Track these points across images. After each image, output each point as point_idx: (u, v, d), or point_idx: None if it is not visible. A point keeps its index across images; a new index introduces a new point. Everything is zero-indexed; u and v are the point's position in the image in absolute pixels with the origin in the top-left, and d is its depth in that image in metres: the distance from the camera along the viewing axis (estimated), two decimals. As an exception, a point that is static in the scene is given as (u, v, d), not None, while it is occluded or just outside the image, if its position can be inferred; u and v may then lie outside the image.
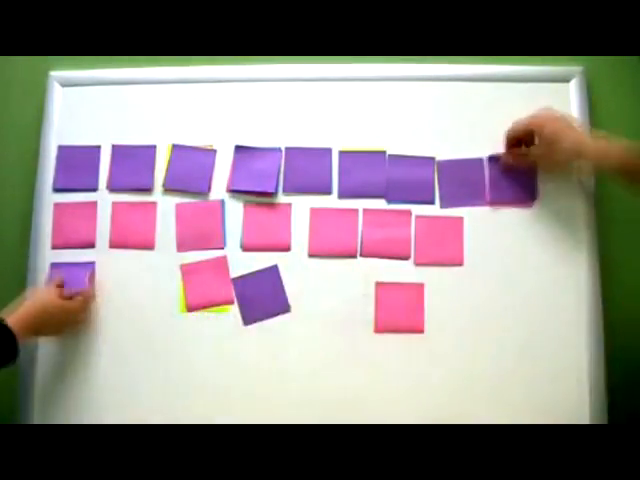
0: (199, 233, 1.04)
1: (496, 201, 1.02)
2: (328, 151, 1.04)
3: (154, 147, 1.06)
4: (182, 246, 1.03)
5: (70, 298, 0.98)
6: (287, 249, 1.02)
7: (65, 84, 1.09)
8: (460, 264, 1.00)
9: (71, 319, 0.99)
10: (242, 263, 1.02)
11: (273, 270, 1.01)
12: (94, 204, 1.06)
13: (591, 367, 0.97)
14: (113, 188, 1.06)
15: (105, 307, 1.02)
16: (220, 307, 1.01)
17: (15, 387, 1.02)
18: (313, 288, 1.01)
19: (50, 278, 1.03)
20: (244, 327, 1.01)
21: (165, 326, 1.01)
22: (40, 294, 0.97)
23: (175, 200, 1.05)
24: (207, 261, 1.03)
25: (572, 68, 1.04)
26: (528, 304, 0.99)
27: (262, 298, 1.01)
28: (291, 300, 1.01)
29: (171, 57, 1.06)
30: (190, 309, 1.02)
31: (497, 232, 1.01)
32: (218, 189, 1.04)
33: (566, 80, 1.04)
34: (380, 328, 0.99)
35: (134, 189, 1.06)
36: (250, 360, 1.00)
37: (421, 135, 1.04)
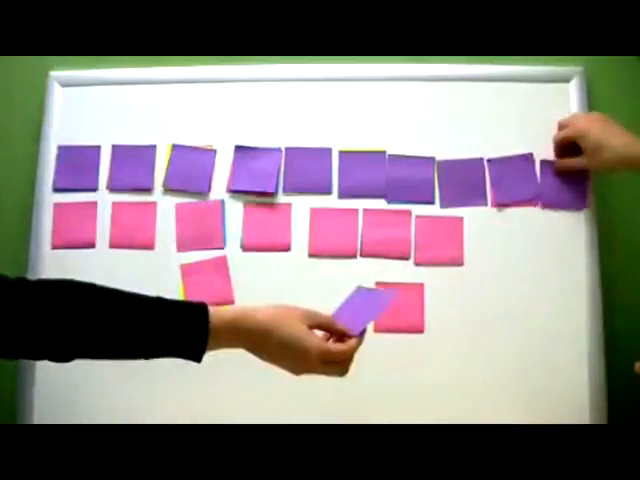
0: (199, 233, 1.04)
1: (497, 201, 1.02)
2: (328, 151, 1.04)
3: (154, 147, 1.06)
4: (182, 246, 1.03)
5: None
6: (287, 249, 1.02)
7: (65, 84, 1.09)
8: (460, 264, 1.01)
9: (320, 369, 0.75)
10: (242, 263, 1.02)
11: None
12: (94, 204, 1.06)
13: (591, 367, 0.97)
14: (113, 188, 1.06)
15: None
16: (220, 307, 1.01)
17: (15, 387, 1.02)
18: (313, 288, 1.01)
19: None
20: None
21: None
22: (297, 326, 0.73)
23: (175, 200, 1.05)
24: (207, 261, 1.03)
25: (572, 68, 1.04)
26: (528, 304, 0.99)
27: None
28: (291, 300, 1.01)
29: (171, 57, 1.06)
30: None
31: (497, 232, 1.01)
32: (218, 189, 1.04)
33: (566, 80, 1.04)
34: (380, 328, 0.99)
35: (134, 189, 1.06)
36: (250, 360, 1.00)
37: (421, 135, 1.04)
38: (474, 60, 1.04)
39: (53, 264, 1.04)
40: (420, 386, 0.98)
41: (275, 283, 1.02)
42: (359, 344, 0.76)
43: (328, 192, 1.03)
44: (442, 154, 1.03)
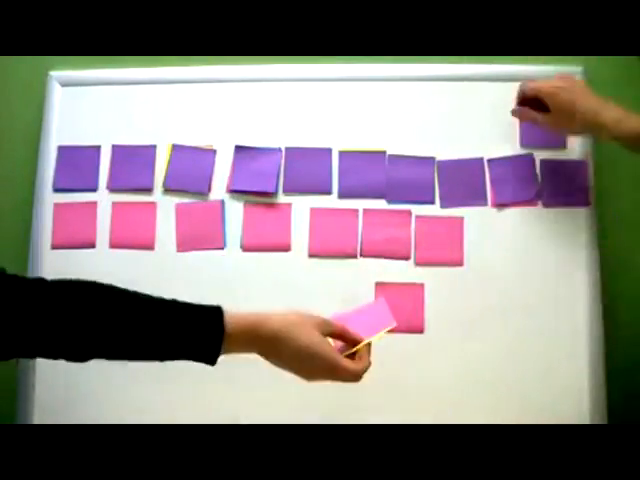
0: (199, 233, 1.04)
1: (497, 201, 1.02)
2: (328, 151, 1.04)
3: (154, 147, 1.06)
4: (182, 246, 1.03)
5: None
6: (287, 249, 1.02)
7: (65, 84, 1.09)
8: (460, 264, 1.00)
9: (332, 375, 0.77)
10: (242, 263, 1.02)
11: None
12: (94, 204, 1.06)
13: (591, 367, 0.97)
14: (113, 188, 1.06)
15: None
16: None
17: (15, 387, 1.02)
18: (313, 288, 1.01)
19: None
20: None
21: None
22: (309, 322, 0.75)
23: (175, 200, 1.05)
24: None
25: (572, 68, 1.04)
26: (528, 304, 0.99)
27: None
28: (291, 300, 1.01)
29: (171, 57, 1.06)
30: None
31: (497, 232, 1.01)
32: (218, 189, 1.04)
33: (566, 80, 1.04)
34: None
35: (134, 189, 1.06)
36: (250, 360, 1.00)
37: (421, 135, 1.04)
38: (474, 60, 1.04)
39: (53, 264, 1.04)
40: (420, 386, 0.98)
41: (275, 283, 1.02)
42: (369, 362, 0.78)
43: (328, 192, 1.03)
44: (442, 154, 1.03)
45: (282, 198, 1.04)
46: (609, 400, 0.97)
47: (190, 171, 1.05)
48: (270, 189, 1.03)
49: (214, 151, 1.05)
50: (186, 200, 1.05)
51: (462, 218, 1.02)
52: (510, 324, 0.99)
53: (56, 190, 1.06)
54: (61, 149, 1.07)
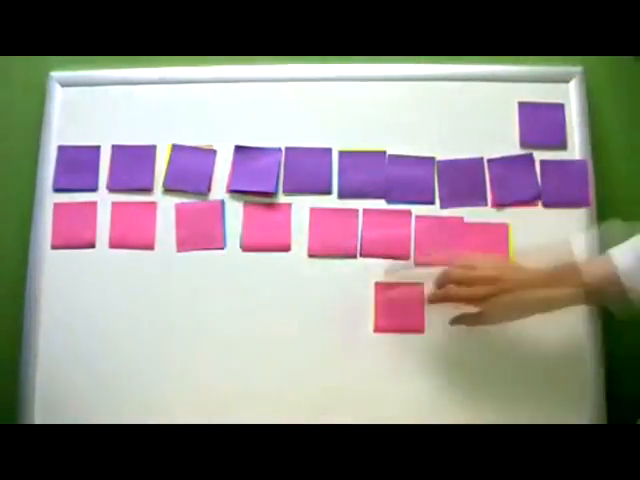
0: (199, 233, 1.04)
1: (497, 201, 1.02)
2: (328, 151, 1.04)
3: (154, 147, 1.06)
4: (182, 246, 1.04)
5: None
6: (287, 249, 1.02)
7: (65, 84, 1.09)
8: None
9: None
10: (242, 263, 1.02)
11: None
12: (94, 204, 1.06)
13: (591, 367, 0.97)
14: (113, 188, 1.06)
15: (105, 307, 1.02)
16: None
17: (15, 387, 1.02)
18: (313, 288, 1.01)
19: None
20: (244, 327, 1.01)
21: (165, 327, 1.01)
22: None
23: (175, 200, 1.05)
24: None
25: (572, 68, 1.04)
26: (528, 304, 0.99)
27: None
28: (290, 300, 1.01)
29: (171, 57, 1.06)
30: (190, 309, 1.02)
31: (497, 232, 1.01)
32: (218, 189, 1.04)
33: (566, 80, 1.04)
34: (380, 328, 0.99)
35: (134, 189, 1.06)
36: (249, 360, 1.00)
37: (421, 135, 1.04)
38: (474, 60, 1.04)
39: (53, 264, 1.04)
40: (420, 386, 0.98)
41: (275, 283, 1.02)
42: None
43: (328, 192, 1.03)
44: (442, 154, 1.03)
45: (282, 198, 1.04)
46: (609, 400, 0.97)
47: (190, 171, 1.05)
48: (270, 189, 1.03)
49: (214, 151, 1.05)
50: (186, 200, 1.05)
51: (462, 218, 1.02)
52: (510, 324, 0.98)
53: (56, 190, 1.06)
54: (61, 149, 1.07)
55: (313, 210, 1.03)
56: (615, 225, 0.85)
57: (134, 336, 1.01)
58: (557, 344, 0.98)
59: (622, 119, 1.06)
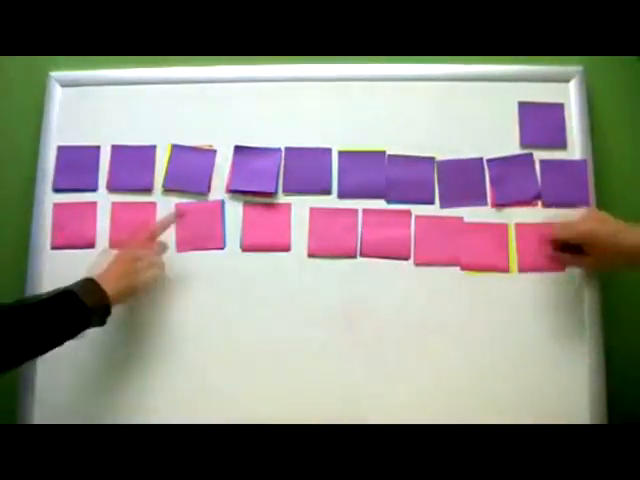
0: (199, 233, 1.04)
1: (497, 201, 1.02)
2: (328, 151, 1.04)
3: (154, 147, 1.06)
4: (182, 246, 1.03)
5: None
6: (287, 249, 1.02)
7: (65, 84, 1.09)
8: (460, 264, 1.00)
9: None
10: (242, 263, 1.02)
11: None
12: (94, 204, 1.06)
13: (591, 367, 0.97)
14: (113, 188, 1.06)
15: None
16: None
17: (15, 387, 1.02)
18: (313, 288, 1.01)
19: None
20: (244, 327, 1.01)
21: (165, 327, 1.01)
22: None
23: (175, 200, 1.05)
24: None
25: (572, 68, 1.04)
26: (528, 304, 0.99)
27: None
28: (290, 300, 1.01)
29: (171, 57, 1.06)
30: (190, 309, 1.02)
31: (497, 232, 1.01)
32: (218, 189, 1.04)
33: (566, 80, 1.04)
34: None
35: (134, 189, 1.06)
36: (249, 360, 1.00)
37: (421, 135, 1.04)
38: (474, 60, 1.04)
39: (53, 264, 1.04)
40: (420, 386, 0.98)
41: (275, 283, 1.02)
42: None
43: (328, 192, 1.03)
44: (442, 154, 1.03)
45: (282, 198, 1.04)
46: (609, 400, 0.97)
47: (190, 171, 1.05)
48: (270, 189, 1.03)
49: (214, 151, 1.05)
50: (186, 200, 1.05)
51: (462, 218, 1.02)
52: (510, 323, 0.99)
53: (56, 190, 1.06)
54: (61, 149, 1.07)
55: (313, 210, 1.03)
56: None
57: (134, 336, 1.01)
58: (557, 344, 0.98)
59: (622, 119, 1.06)
